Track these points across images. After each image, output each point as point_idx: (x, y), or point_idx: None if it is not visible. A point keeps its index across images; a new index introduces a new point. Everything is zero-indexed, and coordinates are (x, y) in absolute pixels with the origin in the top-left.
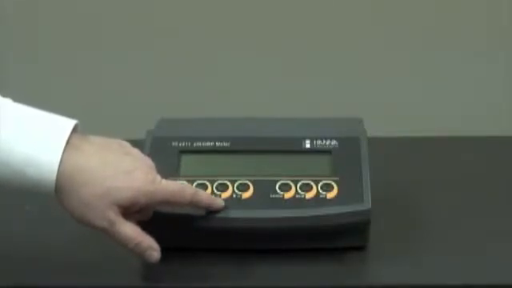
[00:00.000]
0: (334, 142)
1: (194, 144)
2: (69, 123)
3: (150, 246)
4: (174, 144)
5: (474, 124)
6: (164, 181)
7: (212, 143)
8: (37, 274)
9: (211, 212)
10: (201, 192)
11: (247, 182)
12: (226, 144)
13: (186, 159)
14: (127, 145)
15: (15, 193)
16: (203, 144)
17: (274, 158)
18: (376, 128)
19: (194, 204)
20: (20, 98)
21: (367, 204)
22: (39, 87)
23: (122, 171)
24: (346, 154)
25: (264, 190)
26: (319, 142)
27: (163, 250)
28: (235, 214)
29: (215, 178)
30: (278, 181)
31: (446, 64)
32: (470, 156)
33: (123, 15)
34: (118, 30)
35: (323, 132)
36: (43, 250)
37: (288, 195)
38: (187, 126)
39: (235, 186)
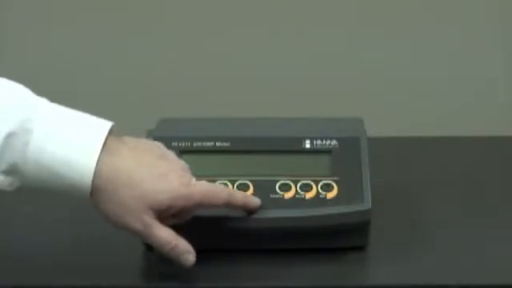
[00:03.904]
0: (334, 142)
1: (194, 144)
2: (105, 125)
3: (187, 250)
4: (174, 144)
5: (474, 124)
6: (199, 183)
7: (212, 143)
8: (37, 274)
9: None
10: (236, 192)
11: (247, 182)
12: (226, 144)
13: (186, 159)
14: (161, 146)
15: (14, 193)
16: (203, 144)
17: (273, 158)
18: (376, 128)
19: (229, 204)
20: None
21: (367, 204)
22: (39, 87)
23: (158, 174)
24: (346, 153)
25: (264, 190)
26: (319, 141)
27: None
28: (235, 214)
29: (215, 178)
30: (278, 181)
31: (446, 64)
32: (470, 156)
33: (123, 15)
34: (118, 30)
35: (323, 132)
36: (43, 250)
37: (288, 195)
38: (187, 125)
39: (235, 186)
